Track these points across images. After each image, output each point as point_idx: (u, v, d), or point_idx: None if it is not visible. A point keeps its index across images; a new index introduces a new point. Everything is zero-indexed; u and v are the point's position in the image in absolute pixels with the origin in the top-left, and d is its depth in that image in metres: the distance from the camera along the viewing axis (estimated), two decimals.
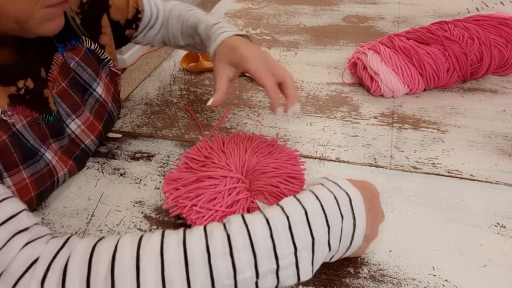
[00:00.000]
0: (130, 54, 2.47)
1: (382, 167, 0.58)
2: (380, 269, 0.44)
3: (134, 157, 0.63)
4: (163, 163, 0.61)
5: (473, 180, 0.55)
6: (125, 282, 0.32)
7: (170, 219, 0.52)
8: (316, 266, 0.37)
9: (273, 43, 0.94)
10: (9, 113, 0.44)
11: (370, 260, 0.45)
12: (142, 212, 0.53)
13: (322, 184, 0.39)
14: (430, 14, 1.02)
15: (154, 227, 0.51)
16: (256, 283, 0.35)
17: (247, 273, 0.34)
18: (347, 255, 0.40)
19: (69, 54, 0.54)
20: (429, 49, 0.70)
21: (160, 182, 0.58)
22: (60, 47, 0.53)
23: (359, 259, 0.45)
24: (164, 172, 0.59)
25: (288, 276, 0.35)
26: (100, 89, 0.60)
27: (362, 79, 0.74)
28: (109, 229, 0.51)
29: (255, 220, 0.36)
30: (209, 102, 0.54)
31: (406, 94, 0.72)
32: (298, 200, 0.37)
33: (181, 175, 0.52)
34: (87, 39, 0.57)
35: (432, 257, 0.45)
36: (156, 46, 0.76)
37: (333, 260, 0.40)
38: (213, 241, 0.34)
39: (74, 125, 0.56)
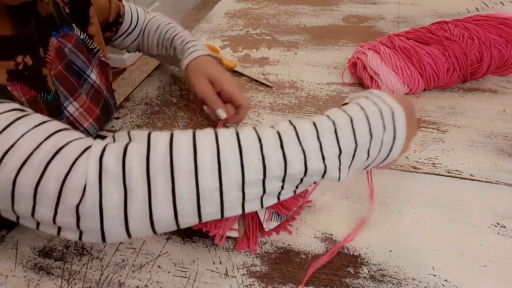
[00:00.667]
0: (130, 54, 2.47)
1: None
2: (380, 269, 0.44)
3: None
4: None
5: (473, 180, 0.55)
6: (182, 159, 0.33)
7: None
8: (352, 171, 0.39)
9: (273, 43, 0.94)
10: (9, 88, 0.45)
11: (370, 260, 0.45)
12: None
13: (367, 98, 0.41)
14: (430, 14, 1.02)
15: None
16: (302, 179, 0.37)
17: (297, 167, 0.36)
18: (382, 165, 0.43)
19: (62, 40, 0.56)
20: (429, 49, 0.70)
21: None
22: (54, 33, 0.54)
23: (359, 259, 0.46)
24: None
25: (330, 177, 0.38)
26: (94, 76, 0.61)
27: (362, 79, 0.74)
28: None
29: (302, 122, 0.38)
30: (222, 114, 0.60)
31: (406, 94, 0.72)
32: (344, 110, 0.39)
33: None
34: (76, 27, 0.59)
35: (432, 257, 0.45)
36: (131, 51, 0.80)
37: (368, 168, 0.42)
38: (264, 135, 0.36)
39: (72, 108, 0.57)
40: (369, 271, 0.44)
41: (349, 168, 0.38)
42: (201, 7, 3.32)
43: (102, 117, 0.64)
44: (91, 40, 0.62)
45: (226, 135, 0.36)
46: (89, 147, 0.34)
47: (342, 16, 1.05)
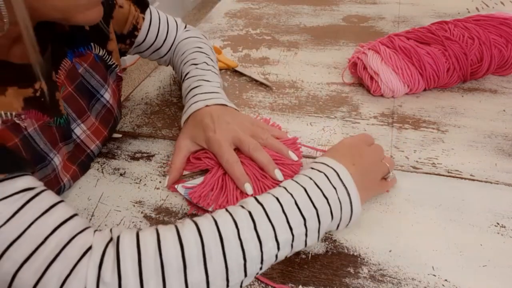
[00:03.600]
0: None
1: None
2: (380, 269, 0.44)
3: (134, 157, 0.63)
4: (163, 163, 0.61)
5: (473, 180, 0.55)
6: (172, 257, 0.36)
7: (170, 219, 0.52)
8: (322, 234, 0.43)
9: (273, 43, 0.94)
10: (23, 116, 0.44)
11: (370, 260, 0.45)
12: (142, 212, 0.53)
13: (312, 168, 0.46)
14: (430, 14, 1.02)
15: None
16: (276, 255, 0.40)
17: (270, 244, 0.39)
18: (354, 219, 0.45)
19: (78, 60, 0.54)
20: (429, 49, 0.70)
21: (160, 182, 0.58)
22: (69, 52, 0.53)
23: (359, 259, 0.46)
24: (164, 172, 0.59)
25: (299, 244, 0.42)
26: (107, 95, 0.60)
27: (362, 79, 0.74)
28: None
29: (267, 199, 0.42)
30: (165, 183, 0.55)
31: (406, 94, 0.72)
32: (297, 182, 0.44)
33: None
34: (96, 45, 0.57)
35: (432, 257, 0.45)
36: (165, 66, 0.77)
37: (342, 227, 0.45)
38: (239, 218, 0.39)
39: (79, 130, 0.56)
40: (369, 271, 0.44)
41: (318, 231, 0.42)
42: (201, 7, 3.32)
43: (108, 137, 0.63)
44: (110, 56, 0.60)
45: (206, 224, 0.39)
46: (90, 247, 0.36)
47: (342, 16, 1.05)
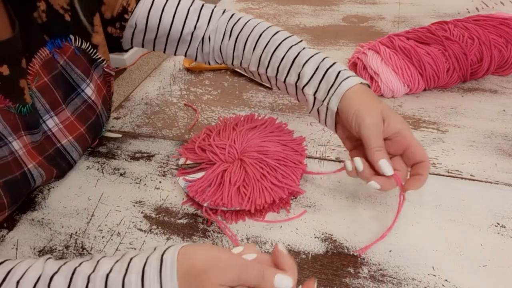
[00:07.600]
0: (130, 54, 2.46)
1: None
2: (380, 269, 0.44)
3: (134, 157, 0.63)
4: (163, 163, 0.61)
5: (473, 180, 0.55)
6: None
7: (170, 219, 0.52)
8: None
9: None
10: None
11: (370, 260, 0.45)
12: (142, 212, 0.53)
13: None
14: (430, 14, 1.02)
15: (154, 227, 0.51)
16: None
17: None
18: None
19: (58, 51, 0.53)
20: (429, 49, 0.70)
21: (160, 182, 0.58)
22: (49, 42, 0.51)
23: (359, 259, 0.46)
24: (164, 172, 0.59)
25: None
26: (89, 91, 0.57)
27: None
28: (109, 229, 0.51)
29: None
30: (375, 185, 0.45)
31: (406, 94, 0.72)
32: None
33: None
34: (77, 37, 0.54)
35: (432, 257, 0.45)
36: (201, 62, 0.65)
37: None
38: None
39: (52, 123, 0.54)
40: (369, 271, 0.44)
41: None
42: None
43: (88, 135, 0.60)
44: (95, 50, 0.57)
45: None
46: None
47: (342, 16, 1.05)
